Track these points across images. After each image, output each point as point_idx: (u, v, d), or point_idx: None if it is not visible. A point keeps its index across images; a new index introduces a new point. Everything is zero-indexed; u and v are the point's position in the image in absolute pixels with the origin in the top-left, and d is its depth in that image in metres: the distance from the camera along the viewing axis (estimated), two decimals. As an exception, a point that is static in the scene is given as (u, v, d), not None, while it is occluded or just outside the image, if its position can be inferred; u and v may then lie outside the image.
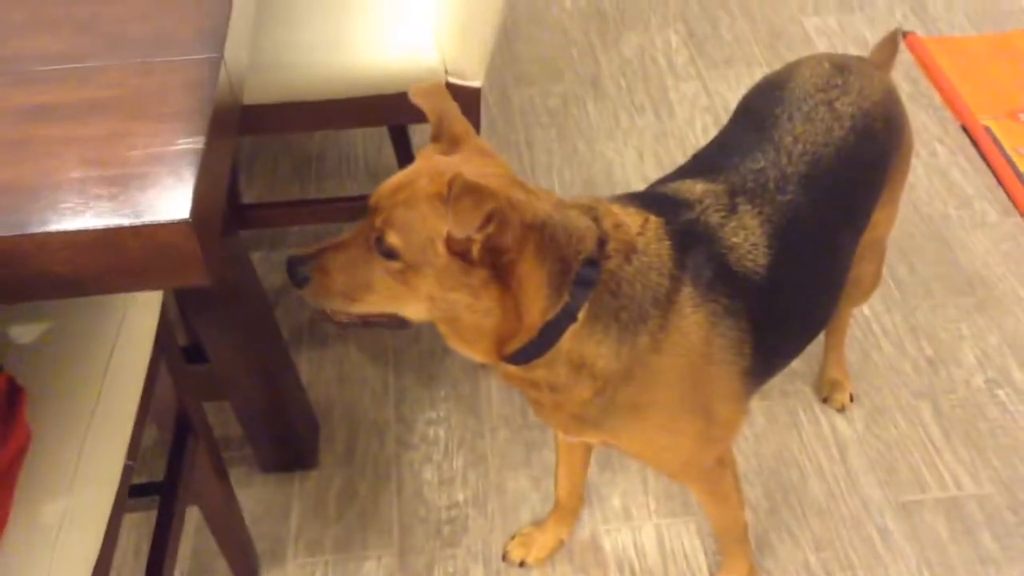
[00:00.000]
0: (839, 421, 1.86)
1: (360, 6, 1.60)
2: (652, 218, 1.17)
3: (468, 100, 1.59)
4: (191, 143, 0.84)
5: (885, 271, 2.08)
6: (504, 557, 1.67)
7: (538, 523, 1.68)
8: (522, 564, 1.66)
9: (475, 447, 1.84)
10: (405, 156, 2.00)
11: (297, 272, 1.08)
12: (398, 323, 1.12)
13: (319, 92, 1.53)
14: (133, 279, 0.82)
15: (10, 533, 0.94)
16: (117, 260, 0.79)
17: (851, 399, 1.88)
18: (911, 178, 2.27)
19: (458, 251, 1.02)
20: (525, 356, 1.12)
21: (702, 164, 1.32)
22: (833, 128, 1.31)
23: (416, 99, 1.12)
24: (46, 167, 0.84)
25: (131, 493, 1.52)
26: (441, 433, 1.87)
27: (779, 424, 1.86)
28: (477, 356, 1.13)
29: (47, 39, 0.96)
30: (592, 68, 2.74)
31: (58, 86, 0.91)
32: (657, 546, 1.69)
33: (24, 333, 1.12)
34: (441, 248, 1.02)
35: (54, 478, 1.00)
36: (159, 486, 1.30)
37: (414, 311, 1.09)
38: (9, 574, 0.92)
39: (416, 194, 1.03)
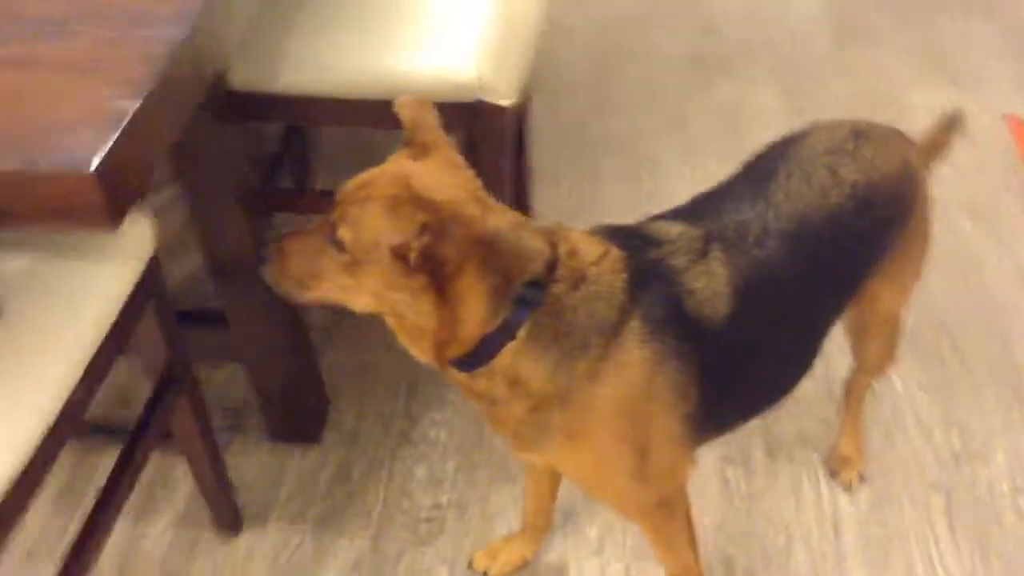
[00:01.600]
0: (842, 498, 1.81)
1: (410, 16, 1.66)
2: (613, 251, 1.18)
3: (498, 118, 1.63)
4: (123, 105, 0.92)
5: (932, 352, 2.02)
6: (469, 565, 1.70)
7: (507, 538, 1.70)
8: (484, 575, 1.68)
9: (470, 455, 1.87)
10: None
11: (263, 251, 1.15)
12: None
13: (356, 91, 1.60)
14: (44, 219, 0.91)
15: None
16: (29, 200, 0.88)
17: (861, 479, 1.82)
18: (984, 259, 2.21)
19: (399, 255, 1.05)
20: (465, 364, 1.14)
21: (692, 208, 1.32)
22: (830, 192, 1.29)
23: (398, 110, 1.16)
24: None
25: (105, 432, 1.63)
26: (442, 435, 1.91)
27: (778, 487, 1.82)
28: (420, 356, 1.16)
29: (36, 4, 1.06)
30: (680, 108, 2.74)
31: (25, 44, 1.00)
32: (622, 584, 1.68)
33: (14, 263, 1.22)
34: (385, 250, 1.05)
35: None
36: (120, 430, 1.39)
37: (360, 304, 1.13)
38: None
39: (372, 194, 1.07)
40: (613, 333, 1.14)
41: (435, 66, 1.60)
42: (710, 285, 1.20)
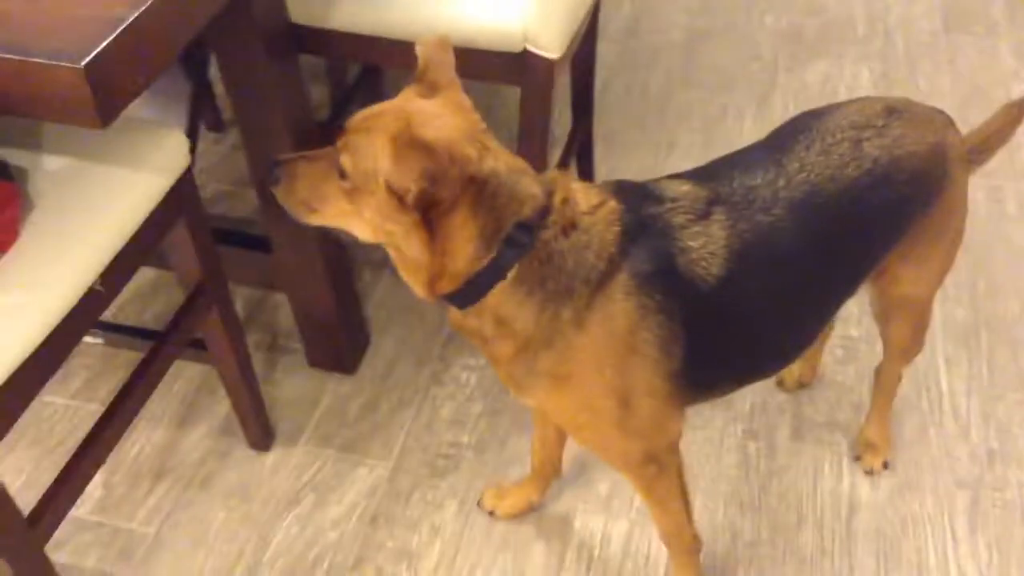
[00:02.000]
0: (863, 483, 1.78)
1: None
2: (610, 203, 1.19)
3: (542, 70, 1.66)
4: (123, 12, 1.01)
5: (982, 352, 1.96)
6: (478, 503, 1.75)
7: (516, 483, 1.74)
8: (491, 513, 1.73)
9: (496, 401, 1.92)
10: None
11: (272, 172, 1.20)
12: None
13: (406, 33, 1.65)
14: (40, 107, 1.00)
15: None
16: (26, 88, 0.97)
17: (885, 466, 1.79)
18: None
19: (394, 191, 1.08)
20: (457, 301, 1.18)
21: (706, 170, 1.32)
22: (847, 165, 1.27)
23: (418, 48, 1.18)
24: (18, 8, 1.04)
25: (132, 333, 1.74)
26: (472, 379, 1.96)
27: (798, 467, 1.81)
28: (414, 287, 1.20)
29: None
30: (766, 86, 2.70)
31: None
32: (624, 541, 1.70)
33: (57, 162, 1.33)
34: (381, 182, 1.09)
35: (18, 274, 1.19)
36: (154, 333, 1.49)
37: (360, 231, 1.17)
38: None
39: (375, 126, 1.10)
40: (600, 283, 1.16)
41: (484, 14, 1.64)
42: (706, 246, 1.20)
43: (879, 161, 1.29)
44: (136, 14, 1.02)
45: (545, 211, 1.15)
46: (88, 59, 0.95)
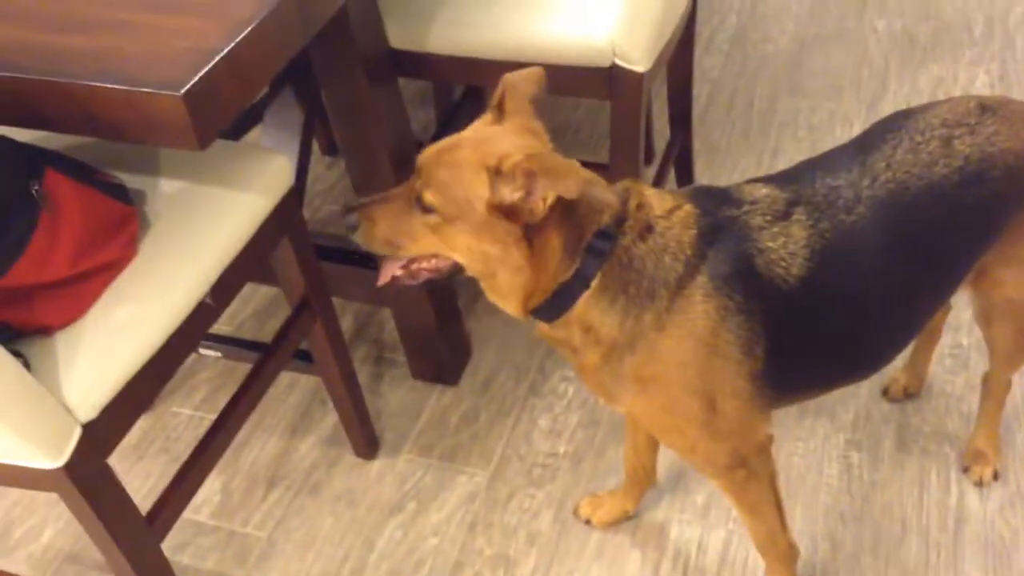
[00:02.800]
0: (971, 495, 1.72)
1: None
2: (686, 207, 1.21)
3: (631, 84, 1.69)
4: (221, 43, 1.10)
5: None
6: (575, 511, 1.78)
7: (611, 491, 1.76)
8: (587, 522, 1.76)
9: (593, 411, 1.94)
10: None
11: (349, 218, 1.22)
12: (449, 273, 1.23)
13: (499, 53, 1.71)
14: (145, 133, 1.09)
15: (87, 320, 1.25)
16: (132, 116, 1.07)
17: (995, 476, 1.73)
18: None
19: (496, 209, 1.11)
20: (546, 314, 1.21)
21: (790, 172, 1.32)
22: (937, 163, 1.26)
23: (505, 78, 1.21)
24: (126, 42, 1.13)
25: (245, 346, 1.84)
26: (570, 390, 1.99)
27: (904, 478, 1.76)
28: (507, 307, 1.23)
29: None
30: (876, 92, 2.65)
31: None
32: (721, 550, 1.70)
33: (170, 185, 1.44)
34: (480, 207, 1.11)
35: (136, 288, 1.29)
36: (263, 346, 1.59)
37: (456, 258, 1.19)
38: (77, 349, 1.23)
39: (457, 159, 1.13)
40: (679, 286, 1.18)
41: (572, 30, 1.69)
42: (785, 246, 1.21)
43: (970, 159, 1.26)
44: (231, 46, 1.11)
45: (622, 218, 1.18)
46: (187, 88, 1.04)
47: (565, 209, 1.13)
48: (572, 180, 1.07)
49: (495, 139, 1.16)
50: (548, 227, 1.13)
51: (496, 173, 1.10)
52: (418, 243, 1.19)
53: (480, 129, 1.20)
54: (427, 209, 1.15)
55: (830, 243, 1.22)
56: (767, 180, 1.30)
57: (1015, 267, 1.39)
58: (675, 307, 1.18)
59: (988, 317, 1.51)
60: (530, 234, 1.13)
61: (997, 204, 1.30)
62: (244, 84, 1.14)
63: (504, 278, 1.18)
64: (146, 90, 1.05)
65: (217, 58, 1.08)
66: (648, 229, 1.18)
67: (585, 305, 1.19)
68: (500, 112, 1.20)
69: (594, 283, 1.17)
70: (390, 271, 1.26)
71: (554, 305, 1.20)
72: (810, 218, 1.23)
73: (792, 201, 1.24)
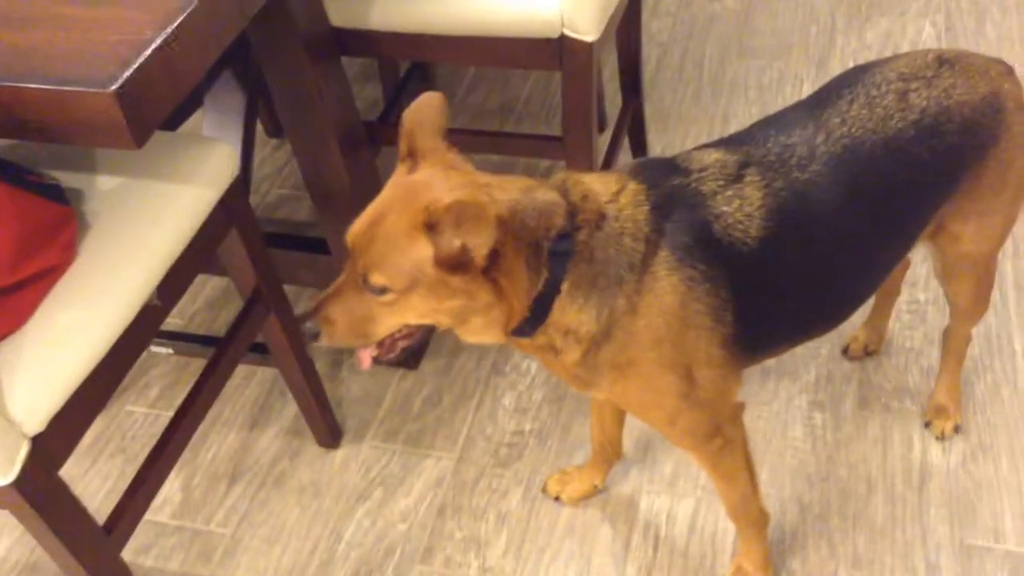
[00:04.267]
0: (934, 449, 1.74)
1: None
2: (631, 184, 1.19)
3: (580, 54, 1.66)
4: (152, 34, 1.05)
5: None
6: (543, 489, 1.76)
7: (579, 467, 1.75)
8: (557, 499, 1.75)
9: (557, 387, 1.93)
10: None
11: (307, 328, 1.14)
12: (424, 334, 1.18)
13: (445, 28, 1.67)
14: (76, 133, 1.04)
15: (28, 329, 1.21)
16: (62, 115, 1.02)
17: (956, 430, 1.74)
18: None
19: (443, 265, 1.05)
20: (526, 331, 1.17)
21: (742, 134, 1.31)
22: (892, 117, 1.25)
23: (403, 120, 1.15)
24: (52, 38, 1.08)
25: (198, 341, 1.80)
26: (533, 367, 1.98)
27: (867, 436, 1.77)
28: (490, 341, 1.20)
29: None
30: (825, 49, 2.64)
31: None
32: (690, 519, 1.70)
33: (111, 182, 1.39)
34: (429, 269, 1.06)
35: (78, 292, 1.25)
36: (217, 340, 1.55)
37: (419, 323, 1.14)
38: (20, 360, 1.18)
39: (388, 229, 1.07)
40: (643, 265, 1.16)
41: (519, 2, 1.65)
42: (741, 208, 1.19)
43: (926, 112, 1.26)
44: (163, 36, 1.06)
45: (572, 214, 1.14)
46: (117, 84, 0.99)
47: (514, 230, 1.08)
48: (485, 228, 1.01)
49: (417, 192, 1.09)
50: (504, 254, 1.08)
51: (431, 228, 1.04)
52: (383, 325, 1.13)
53: (399, 185, 1.13)
54: (378, 290, 1.09)
55: (786, 201, 1.21)
56: (717, 144, 1.29)
57: (973, 221, 1.39)
58: (643, 287, 1.16)
59: (947, 272, 1.51)
60: (488, 270, 1.08)
61: (953, 157, 1.30)
62: (180, 75, 1.09)
63: (478, 320, 1.14)
64: (76, 89, 1.00)
65: (149, 50, 1.03)
66: (601, 217, 1.15)
67: (561, 309, 1.15)
68: (413, 158, 1.13)
69: (564, 286, 1.14)
70: (367, 356, 1.19)
71: (533, 320, 1.16)
72: (763, 178, 1.21)
73: (743, 163, 1.23)
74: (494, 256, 1.06)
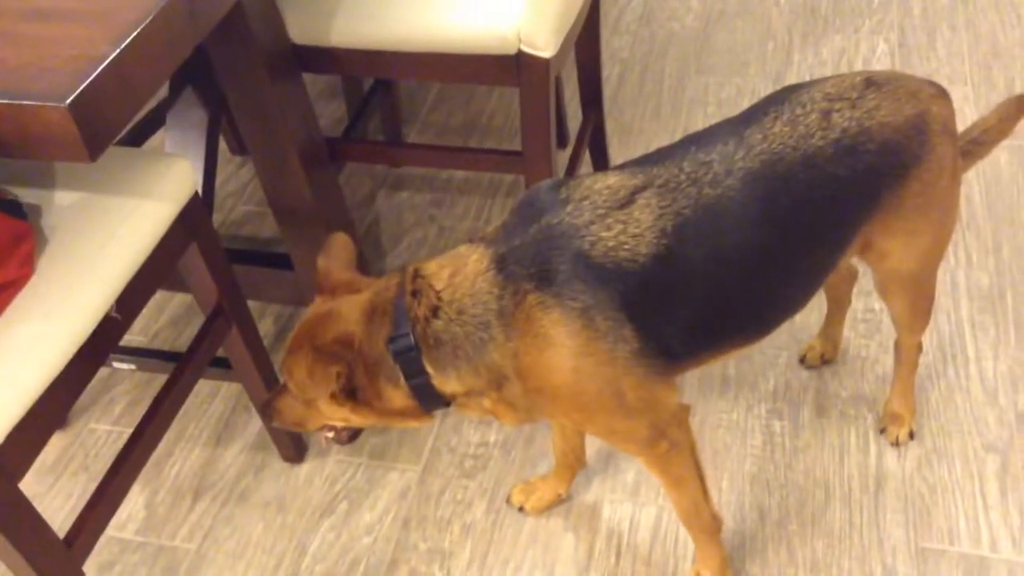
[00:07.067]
0: (889, 455, 1.77)
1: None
2: (472, 258, 1.24)
3: (538, 70, 1.68)
4: (106, 49, 1.06)
5: (1008, 316, 1.94)
6: (507, 500, 1.78)
7: (543, 476, 1.77)
8: (521, 509, 1.76)
9: (521, 397, 1.94)
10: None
11: (264, 414, 1.41)
12: (356, 429, 1.43)
13: (404, 45, 1.69)
14: (32, 148, 1.05)
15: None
16: (17, 130, 1.03)
17: (911, 436, 1.78)
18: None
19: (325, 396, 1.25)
20: (432, 408, 1.29)
21: (663, 150, 1.32)
22: (813, 134, 1.27)
23: (318, 260, 1.32)
24: (6, 54, 1.09)
25: (160, 357, 1.80)
26: (497, 379, 1.99)
27: (824, 443, 1.80)
28: (410, 427, 1.41)
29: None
30: (781, 64, 2.69)
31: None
32: (652, 526, 1.72)
33: (68, 198, 1.40)
34: (321, 389, 1.23)
35: (36, 307, 1.25)
36: (179, 356, 1.55)
37: (341, 422, 1.34)
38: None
39: (292, 347, 1.25)
40: (512, 315, 1.20)
41: (476, 19, 1.67)
42: (627, 231, 1.21)
43: (847, 131, 1.28)
44: (118, 51, 1.07)
45: (402, 311, 1.23)
46: (72, 98, 1.00)
47: (353, 356, 1.22)
48: (322, 383, 1.21)
49: (320, 323, 1.25)
50: (355, 376, 1.22)
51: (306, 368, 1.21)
52: (313, 420, 1.34)
53: (316, 309, 1.29)
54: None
55: (688, 219, 1.22)
56: (625, 166, 1.31)
57: (900, 239, 1.41)
58: (520, 332, 1.20)
59: (882, 288, 1.55)
60: (354, 394, 1.25)
61: (872, 176, 1.31)
62: (134, 90, 1.10)
63: (393, 419, 1.30)
64: (30, 103, 1.01)
65: (103, 65, 1.04)
66: (434, 310, 1.22)
67: (443, 384, 1.24)
68: (332, 292, 1.29)
69: (429, 369, 1.23)
70: (324, 438, 1.41)
71: (427, 402, 1.27)
72: (663, 199, 1.23)
73: (639, 187, 1.24)
74: (349, 389, 1.23)
